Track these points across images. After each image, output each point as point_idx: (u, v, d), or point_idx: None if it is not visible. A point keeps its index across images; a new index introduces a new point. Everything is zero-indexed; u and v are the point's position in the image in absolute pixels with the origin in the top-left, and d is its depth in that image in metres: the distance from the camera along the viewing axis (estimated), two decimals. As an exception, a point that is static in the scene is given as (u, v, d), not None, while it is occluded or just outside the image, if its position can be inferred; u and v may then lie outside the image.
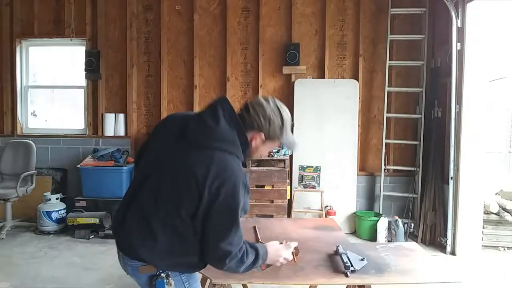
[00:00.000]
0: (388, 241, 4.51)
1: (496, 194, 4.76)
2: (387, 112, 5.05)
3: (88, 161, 5.08)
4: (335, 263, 2.15)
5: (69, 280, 3.59)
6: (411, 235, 4.72)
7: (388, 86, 5.05)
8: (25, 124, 5.64)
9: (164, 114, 5.32)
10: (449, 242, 4.32)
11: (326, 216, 4.75)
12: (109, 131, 5.35)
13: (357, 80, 5.14)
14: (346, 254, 2.20)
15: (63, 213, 4.96)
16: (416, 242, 4.16)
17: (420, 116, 4.98)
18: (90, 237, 4.71)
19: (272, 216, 4.39)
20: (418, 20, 5.06)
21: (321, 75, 5.21)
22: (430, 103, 4.98)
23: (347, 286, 2.24)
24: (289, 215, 4.65)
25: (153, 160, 1.65)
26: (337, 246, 2.32)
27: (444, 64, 4.71)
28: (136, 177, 1.72)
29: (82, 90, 5.53)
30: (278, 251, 1.85)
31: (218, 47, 5.31)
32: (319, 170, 4.83)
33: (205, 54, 5.33)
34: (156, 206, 1.55)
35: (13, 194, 4.76)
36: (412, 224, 4.80)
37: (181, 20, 5.35)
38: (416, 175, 4.96)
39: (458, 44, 4.26)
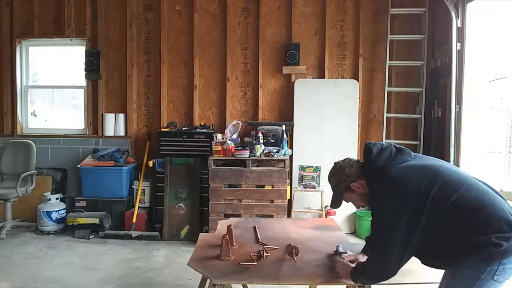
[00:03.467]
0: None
1: (496, 194, 4.75)
2: (387, 112, 5.05)
3: (88, 161, 5.08)
4: (335, 263, 2.15)
5: (69, 280, 3.59)
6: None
7: (388, 86, 5.05)
8: (25, 124, 5.64)
9: (164, 114, 5.32)
10: (449, 242, 4.31)
11: (326, 216, 4.75)
12: (109, 131, 5.35)
13: (357, 80, 5.14)
14: (346, 254, 2.20)
15: (63, 213, 4.96)
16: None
17: (420, 116, 4.98)
18: (90, 237, 4.71)
19: (272, 216, 4.39)
20: (418, 20, 5.06)
21: (321, 75, 5.21)
22: (430, 103, 4.98)
23: (347, 286, 2.24)
24: (289, 215, 4.65)
25: None
26: (337, 246, 2.33)
27: (444, 64, 4.71)
28: None
29: (82, 90, 5.53)
30: None
31: (218, 47, 5.31)
32: (319, 170, 4.83)
33: (205, 54, 5.33)
34: None
35: (13, 194, 4.77)
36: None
37: (181, 20, 5.35)
38: (416, 175, 4.95)
39: (458, 44, 4.26)
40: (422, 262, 1.89)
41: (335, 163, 2.09)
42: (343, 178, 2.01)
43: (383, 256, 1.81)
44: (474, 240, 1.68)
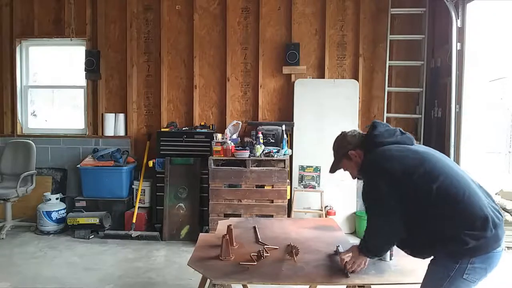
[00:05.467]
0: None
1: (496, 194, 4.75)
2: (387, 112, 5.05)
3: (88, 161, 5.08)
4: (335, 263, 2.15)
5: (69, 280, 3.59)
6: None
7: (388, 86, 5.05)
8: (25, 124, 5.64)
9: (164, 114, 5.32)
10: (449, 242, 4.31)
11: (326, 216, 4.75)
12: (109, 131, 5.35)
13: (357, 80, 5.14)
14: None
15: (63, 213, 4.96)
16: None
17: (420, 116, 4.98)
18: (90, 237, 4.71)
19: (272, 216, 4.39)
20: (418, 20, 5.06)
21: (321, 75, 5.21)
22: (430, 103, 4.98)
23: (347, 286, 2.24)
24: (289, 215, 4.65)
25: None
26: (337, 246, 2.33)
27: (444, 64, 4.71)
28: None
29: (82, 90, 5.53)
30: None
31: (218, 47, 5.31)
32: (319, 170, 4.83)
33: (205, 54, 5.33)
34: None
35: (13, 194, 4.76)
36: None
37: (181, 20, 5.35)
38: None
39: (458, 44, 4.26)
40: (408, 253, 1.93)
41: (341, 131, 2.16)
42: (343, 145, 2.08)
43: (373, 216, 1.91)
44: (443, 233, 1.68)
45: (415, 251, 1.87)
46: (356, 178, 2.15)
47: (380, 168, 1.86)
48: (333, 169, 2.17)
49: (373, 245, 1.96)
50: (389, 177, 1.82)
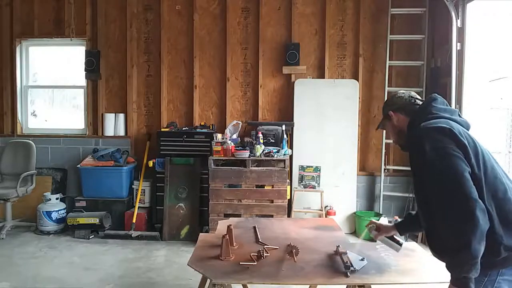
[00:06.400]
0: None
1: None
2: (387, 112, 5.05)
3: (88, 161, 5.08)
4: (335, 263, 2.15)
5: (69, 280, 3.59)
6: (411, 235, 4.71)
7: (388, 86, 5.05)
8: (25, 124, 5.64)
9: (164, 114, 5.32)
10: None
11: (326, 216, 4.75)
12: (109, 131, 5.35)
13: (357, 80, 5.14)
14: (346, 254, 2.20)
15: (63, 213, 4.96)
16: (416, 242, 4.16)
17: (420, 116, 4.98)
18: (90, 237, 4.71)
19: (272, 216, 4.39)
20: (418, 20, 5.06)
21: (321, 75, 5.21)
22: (430, 103, 4.98)
23: (347, 286, 2.24)
24: (289, 215, 4.65)
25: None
26: (337, 246, 2.33)
27: (444, 64, 4.71)
28: None
29: (82, 90, 5.53)
30: None
31: (218, 47, 5.31)
32: (319, 170, 4.83)
33: (205, 54, 5.33)
34: None
35: (13, 194, 4.76)
36: (412, 224, 4.79)
37: (181, 20, 5.35)
38: (416, 175, 4.95)
39: (458, 44, 4.26)
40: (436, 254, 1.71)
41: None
42: (388, 103, 2.00)
43: (453, 206, 1.48)
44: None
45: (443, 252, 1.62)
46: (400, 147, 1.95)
47: (442, 128, 1.60)
48: (378, 126, 2.07)
49: (465, 258, 1.45)
50: (454, 138, 1.56)
